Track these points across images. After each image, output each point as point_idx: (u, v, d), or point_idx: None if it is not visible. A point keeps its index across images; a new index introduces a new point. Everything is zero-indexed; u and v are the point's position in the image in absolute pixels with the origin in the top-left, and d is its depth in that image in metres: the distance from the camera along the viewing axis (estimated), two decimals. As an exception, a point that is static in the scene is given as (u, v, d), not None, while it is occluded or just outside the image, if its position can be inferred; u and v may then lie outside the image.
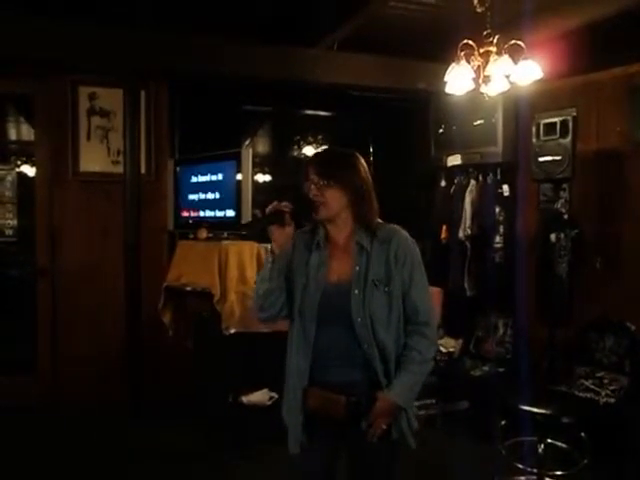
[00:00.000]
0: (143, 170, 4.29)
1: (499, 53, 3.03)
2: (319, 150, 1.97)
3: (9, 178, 5.69)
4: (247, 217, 3.83)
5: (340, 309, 1.82)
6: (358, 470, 1.94)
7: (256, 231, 2.01)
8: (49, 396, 4.24)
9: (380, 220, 1.93)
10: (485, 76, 3.07)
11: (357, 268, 1.85)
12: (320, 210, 1.85)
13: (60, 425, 4.01)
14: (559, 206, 4.13)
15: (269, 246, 1.91)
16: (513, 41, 3.02)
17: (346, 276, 1.86)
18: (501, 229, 4.35)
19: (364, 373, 1.84)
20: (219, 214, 4.08)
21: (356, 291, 1.82)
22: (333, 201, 1.85)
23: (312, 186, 1.86)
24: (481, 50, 3.06)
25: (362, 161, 1.93)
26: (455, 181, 4.63)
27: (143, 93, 4.29)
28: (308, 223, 1.94)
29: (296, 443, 1.90)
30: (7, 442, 3.72)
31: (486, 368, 4.22)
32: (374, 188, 1.92)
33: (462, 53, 3.04)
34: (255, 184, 4.43)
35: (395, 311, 1.85)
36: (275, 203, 1.84)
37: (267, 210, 1.84)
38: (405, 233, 1.92)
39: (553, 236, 3.98)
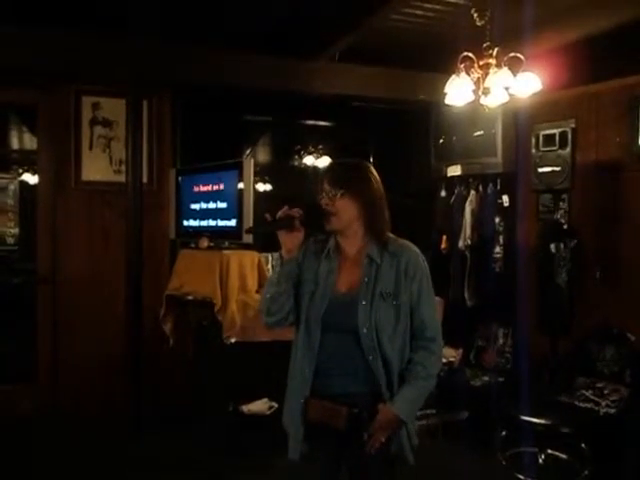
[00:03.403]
0: (145, 179, 4.30)
1: (499, 65, 3.06)
2: (333, 161, 2.00)
3: (11, 187, 5.71)
4: (248, 226, 3.83)
5: (346, 319, 1.83)
6: None
7: (264, 233, 2.02)
8: (49, 405, 4.23)
9: (391, 235, 1.94)
10: (485, 88, 3.10)
11: (366, 279, 1.86)
12: (331, 220, 1.87)
13: (60, 434, 4.00)
14: (558, 216, 4.15)
15: (270, 256, 1.93)
16: (512, 54, 3.05)
17: (354, 287, 1.87)
18: (501, 239, 4.37)
19: (367, 385, 1.85)
20: (220, 223, 4.09)
21: (363, 302, 1.83)
22: (344, 212, 1.86)
23: (324, 196, 1.88)
24: (481, 62, 3.09)
25: (375, 173, 1.95)
26: (455, 191, 4.65)
27: (145, 103, 4.31)
28: (318, 233, 1.95)
29: (296, 449, 1.90)
30: (6, 452, 3.70)
31: (486, 378, 4.21)
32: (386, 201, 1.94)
33: (462, 65, 3.08)
34: (256, 193, 4.45)
35: (402, 324, 1.86)
36: (285, 208, 1.85)
37: (277, 215, 1.85)
38: (416, 249, 1.94)
39: (553, 246, 3.99)
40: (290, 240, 1.86)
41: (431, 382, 1.90)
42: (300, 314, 1.91)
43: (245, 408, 3.74)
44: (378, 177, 1.95)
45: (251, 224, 3.80)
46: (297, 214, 1.84)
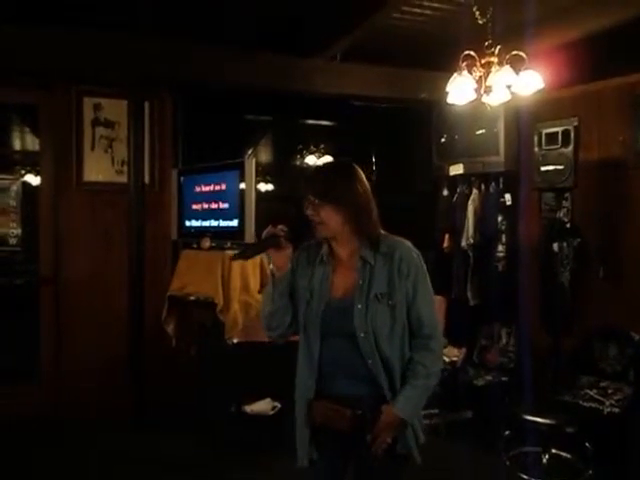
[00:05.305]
0: (147, 180, 4.30)
1: (500, 63, 3.05)
2: (315, 168, 1.98)
3: (13, 187, 5.71)
4: (250, 226, 3.83)
5: (344, 324, 1.82)
6: None
7: (253, 257, 2.05)
8: (51, 406, 4.23)
9: (383, 232, 1.92)
10: (487, 86, 3.08)
11: (360, 282, 1.84)
12: (318, 229, 1.86)
13: (62, 435, 4.00)
14: (561, 215, 4.14)
15: (271, 265, 1.91)
16: (514, 52, 3.04)
17: (350, 291, 1.85)
18: (503, 238, 4.36)
19: (369, 387, 1.84)
20: (222, 224, 4.09)
21: (359, 305, 1.82)
22: (329, 220, 1.84)
23: (309, 205, 1.85)
24: (483, 61, 3.08)
25: (359, 173, 1.90)
26: (457, 190, 4.64)
27: (147, 104, 4.31)
28: (310, 240, 1.95)
29: (304, 457, 1.90)
30: (8, 453, 3.70)
31: (489, 377, 4.21)
32: (374, 199, 1.90)
33: (464, 63, 3.06)
34: (258, 193, 4.45)
35: (399, 324, 1.84)
36: (270, 227, 1.86)
37: (263, 235, 1.86)
38: (409, 245, 1.91)
39: (555, 245, 3.98)
40: (279, 258, 1.87)
41: (432, 380, 1.88)
42: (298, 322, 1.92)
43: (248, 408, 3.74)
44: (364, 178, 1.90)
45: (253, 225, 3.81)
46: (282, 232, 1.84)
